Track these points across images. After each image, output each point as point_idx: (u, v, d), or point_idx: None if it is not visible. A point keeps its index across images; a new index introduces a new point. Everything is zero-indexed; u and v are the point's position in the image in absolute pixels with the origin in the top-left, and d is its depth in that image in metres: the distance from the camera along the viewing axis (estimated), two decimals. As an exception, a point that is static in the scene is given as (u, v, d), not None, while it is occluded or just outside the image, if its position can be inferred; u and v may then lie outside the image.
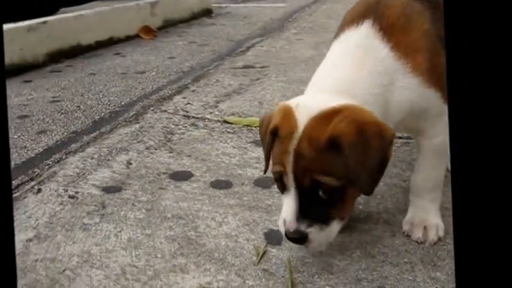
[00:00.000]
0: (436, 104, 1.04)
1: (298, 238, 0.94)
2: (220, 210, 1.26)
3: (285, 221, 0.96)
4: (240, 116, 1.94)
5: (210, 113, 1.99)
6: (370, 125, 0.92)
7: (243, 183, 1.39)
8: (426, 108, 1.05)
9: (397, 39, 1.02)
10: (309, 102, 0.97)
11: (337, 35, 1.11)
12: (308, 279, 1.00)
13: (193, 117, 1.96)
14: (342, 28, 1.10)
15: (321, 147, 0.91)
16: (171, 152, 1.62)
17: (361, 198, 1.31)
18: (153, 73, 2.74)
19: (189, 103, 2.12)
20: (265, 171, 1.08)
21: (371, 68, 1.00)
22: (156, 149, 1.65)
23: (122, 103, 2.19)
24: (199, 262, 1.06)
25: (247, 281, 0.99)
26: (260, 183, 1.39)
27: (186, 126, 1.85)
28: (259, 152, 1.60)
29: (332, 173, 0.91)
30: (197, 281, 1.00)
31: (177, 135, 1.77)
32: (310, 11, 5.09)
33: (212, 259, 1.07)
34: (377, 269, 1.02)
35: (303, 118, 0.94)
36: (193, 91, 2.31)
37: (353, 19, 1.07)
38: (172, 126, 1.86)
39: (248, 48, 3.29)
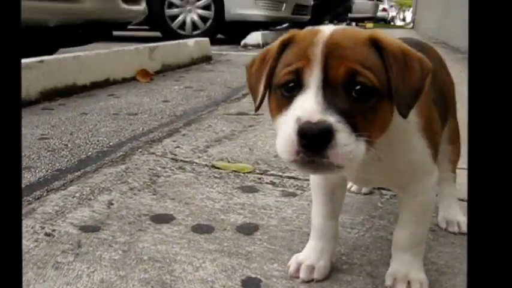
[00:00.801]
0: (427, 161, 1.05)
1: (322, 133, 0.77)
2: (199, 254, 1.25)
3: (299, 119, 0.79)
4: (229, 162, 1.94)
5: (199, 157, 2.00)
6: (411, 50, 0.90)
7: (224, 229, 1.39)
8: (417, 164, 1.05)
9: None
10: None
11: None
12: (283, 329, 0.98)
13: (181, 160, 1.96)
14: None
15: (362, 42, 0.86)
16: (154, 194, 1.62)
17: (345, 248, 1.30)
18: (146, 115, 2.76)
19: (178, 146, 2.13)
20: (258, 107, 0.95)
21: None
22: (139, 191, 1.65)
23: (111, 143, 2.20)
24: (172, 307, 1.04)
25: (219, 329, 0.97)
26: (242, 229, 1.38)
27: (173, 169, 1.85)
28: (245, 198, 1.59)
29: (373, 69, 0.84)
30: (167, 327, 0.98)
31: (162, 178, 1.77)
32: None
33: (185, 305, 1.05)
34: (355, 322, 1.00)
35: (328, 29, 0.89)
36: (184, 135, 2.32)
37: None
38: (159, 168, 1.87)
39: (244, 95, 3.33)
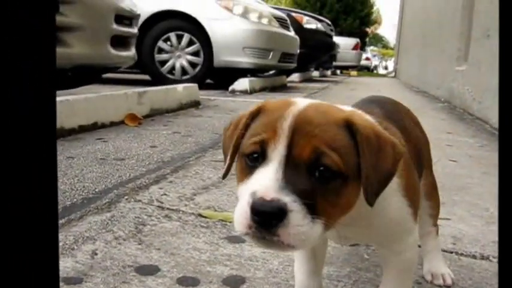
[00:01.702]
0: (408, 220, 1.03)
1: (274, 212, 0.74)
2: (184, 309, 1.20)
3: (254, 194, 0.77)
4: (216, 210, 1.91)
5: (185, 205, 1.96)
6: (384, 134, 0.88)
7: (210, 281, 1.34)
8: (398, 224, 1.03)
9: None
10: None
11: None
12: None
13: (167, 208, 1.92)
14: None
15: (335, 122, 0.83)
16: (140, 244, 1.57)
17: (333, 305, 1.26)
18: (133, 161, 2.73)
19: (165, 194, 2.09)
20: (225, 175, 0.92)
21: None
22: (124, 240, 1.60)
23: (96, 190, 2.16)
24: None
25: None
26: (229, 282, 1.34)
27: (159, 218, 1.81)
28: (231, 249, 1.55)
29: (341, 152, 0.80)
30: None
31: (148, 227, 1.72)
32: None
33: None
34: None
35: (302, 102, 0.88)
36: (170, 182, 2.29)
37: None
38: (145, 217, 1.82)
39: (231, 141, 3.31)
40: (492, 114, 4.85)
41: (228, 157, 0.91)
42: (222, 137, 0.99)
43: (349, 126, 0.84)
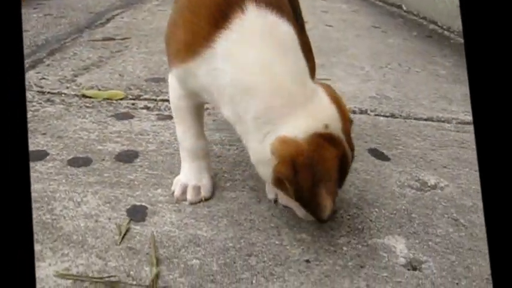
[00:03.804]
0: None
1: None
2: (79, 189, 1.13)
3: None
4: (100, 90, 1.78)
5: (67, 87, 1.81)
6: None
7: (103, 159, 1.27)
8: None
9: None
10: None
11: None
12: (174, 253, 0.92)
13: (48, 92, 1.76)
14: None
15: None
16: (23, 131, 1.44)
17: (226, 166, 1.26)
18: (3, 47, 2.44)
19: (43, 78, 1.91)
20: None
21: None
22: (5, 128, 1.46)
23: (-34, 80, 1.92)
24: (56, 247, 0.94)
25: (109, 263, 0.90)
26: (121, 157, 1.28)
27: (41, 103, 1.66)
28: (120, 126, 1.47)
29: None
30: (54, 269, 0.88)
31: (30, 113, 1.57)
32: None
33: (71, 243, 0.95)
34: (244, 236, 0.98)
35: None
36: (48, 65, 2.09)
37: None
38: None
39: (108, 20, 3.07)
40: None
41: None
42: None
43: None
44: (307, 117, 0.87)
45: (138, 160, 1.27)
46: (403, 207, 1.13)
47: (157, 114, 1.58)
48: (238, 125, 0.93)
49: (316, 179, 0.84)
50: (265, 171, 0.90)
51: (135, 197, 1.11)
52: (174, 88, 1.06)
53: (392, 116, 1.67)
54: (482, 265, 0.95)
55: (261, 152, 0.89)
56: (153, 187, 1.15)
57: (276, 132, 0.87)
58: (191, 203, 1.08)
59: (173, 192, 1.11)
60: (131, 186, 1.15)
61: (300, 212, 1.00)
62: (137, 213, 1.04)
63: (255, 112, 0.88)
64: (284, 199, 1.03)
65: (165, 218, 1.03)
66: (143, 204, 1.08)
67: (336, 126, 0.89)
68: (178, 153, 1.29)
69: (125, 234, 0.97)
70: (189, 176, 1.11)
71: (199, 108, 1.11)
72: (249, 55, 0.88)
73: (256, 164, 0.94)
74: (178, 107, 1.09)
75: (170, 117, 1.55)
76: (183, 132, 1.11)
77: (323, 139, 0.87)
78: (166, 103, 1.67)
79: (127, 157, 1.28)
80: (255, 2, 0.89)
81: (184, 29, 0.95)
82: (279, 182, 0.88)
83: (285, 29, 0.92)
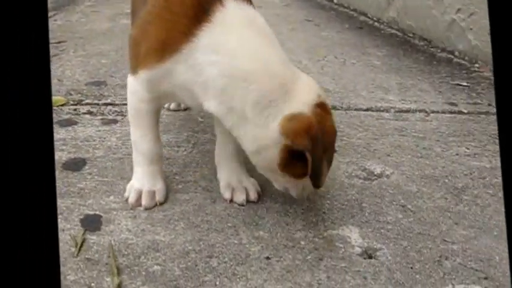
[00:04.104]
0: None
1: None
2: (27, 202, 1.09)
3: None
4: (38, 96, 1.71)
5: (3, 95, 1.73)
6: None
7: (50, 169, 1.23)
8: None
9: None
10: None
11: None
12: (134, 261, 0.91)
13: (-18, 101, 1.67)
14: None
15: None
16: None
17: (177, 168, 1.25)
18: None
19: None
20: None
21: None
22: None
23: None
24: (9, 264, 0.90)
25: (68, 276, 0.87)
26: (69, 166, 1.24)
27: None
28: (65, 133, 1.43)
29: None
30: (8, 287, 0.85)
31: (-35, 124, 1.49)
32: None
33: (24, 258, 0.92)
34: (203, 238, 0.98)
35: None
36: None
37: None
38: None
39: (39, 22, 2.95)
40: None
41: None
42: None
43: None
44: (303, 93, 0.93)
45: (86, 167, 1.24)
46: (353, 197, 1.16)
47: (101, 119, 1.54)
48: (229, 116, 0.93)
49: (323, 147, 0.90)
50: (268, 156, 0.93)
51: (88, 206, 1.08)
52: (135, 91, 1.04)
53: (334, 108, 1.71)
54: (432, 248, 0.99)
55: (264, 137, 0.91)
56: (105, 194, 1.12)
57: (279, 113, 0.90)
58: (146, 208, 1.06)
59: (127, 199, 1.09)
60: (82, 195, 1.12)
61: (295, 191, 1.02)
62: (92, 223, 1.02)
63: (255, 97, 0.90)
64: (280, 182, 1.03)
65: (121, 225, 1.01)
66: (97, 212, 1.05)
67: (322, 94, 0.97)
68: (128, 158, 1.27)
69: (81, 246, 0.95)
70: (143, 181, 1.09)
71: (158, 112, 1.10)
72: (238, 45, 0.91)
73: (255, 152, 0.95)
74: (138, 110, 1.06)
75: (115, 121, 1.52)
76: (140, 136, 1.08)
77: (320, 108, 0.93)
78: (109, 107, 1.63)
79: (75, 165, 1.25)
80: None
81: (160, 27, 0.94)
82: (286, 163, 0.92)
83: (261, 19, 0.97)
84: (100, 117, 1.56)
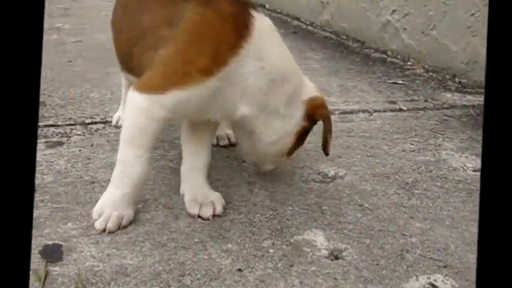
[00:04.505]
0: None
1: None
2: (-21, 237, 1.03)
3: None
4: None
5: None
6: None
7: None
8: None
9: None
10: None
11: None
12: (104, 288, 0.88)
13: None
14: None
15: None
16: None
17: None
18: None
19: None
20: None
21: None
22: None
23: None
24: (-32, 306, 0.85)
25: (35, 312, 0.83)
26: (20, 195, 1.18)
27: None
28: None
29: None
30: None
31: None
32: None
33: (-17, 298, 0.87)
34: (172, 257, 0.96)
35: None
36: None
37: None
38: None
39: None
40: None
41: None
42: None
43: None
44: (308, 83, 1.15)
45: (37, 195, 1.18)
46: (313, 201, 1.18)
47: (45, 142, 1.48)
48: (260, 115, 1.06)
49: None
50: (284, 142, 1.13)
51: (45, 235, 1.03)
52: (145, 109, 0.99)
53: (281, 113, 1.73)
54: (393, 243, 1.03)
55: (288, 125, 1.10)
56: (61, 222, 1.08)
57: (300, 101, 1.10)
58: (109, 232, 1.03)
59: (93, 223, 1.04)
60: (37, 225, 1.06)
61: (272, 166, 1.24)
62: (52, 253, 0.97)
63: (289, 93, 1.07)
64: (271, 163, 1.22)
65: (84, 252, 0.97)
66: (56, 242, 1.01)
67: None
68: (80, 181, 1.23)
69: (45, 279, 0.90)
70: (117, 204, 1.04)
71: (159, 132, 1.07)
72: (275, 51, 1.06)
73: (274, 142, 1.11)
74: (144, 129, 1.01)
75: (60, 144, 1.46)
76: (134, 156, 1.02)
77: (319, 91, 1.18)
78: (52, 128, 1.57)
79: (25, 194, 1.19)
80: (253, 8, 1.04)
81: (205, 44, 0.98)
82: (293, 146, 1.14)
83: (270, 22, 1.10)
84: (44, 140, 1.49)
